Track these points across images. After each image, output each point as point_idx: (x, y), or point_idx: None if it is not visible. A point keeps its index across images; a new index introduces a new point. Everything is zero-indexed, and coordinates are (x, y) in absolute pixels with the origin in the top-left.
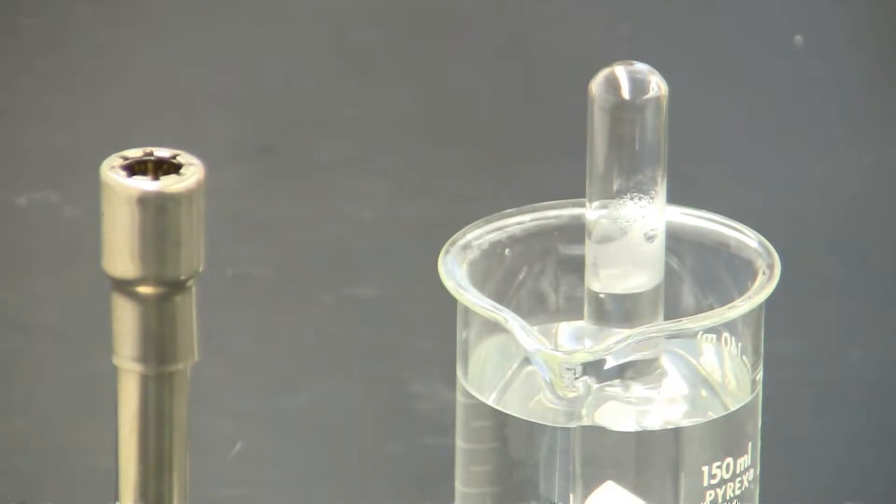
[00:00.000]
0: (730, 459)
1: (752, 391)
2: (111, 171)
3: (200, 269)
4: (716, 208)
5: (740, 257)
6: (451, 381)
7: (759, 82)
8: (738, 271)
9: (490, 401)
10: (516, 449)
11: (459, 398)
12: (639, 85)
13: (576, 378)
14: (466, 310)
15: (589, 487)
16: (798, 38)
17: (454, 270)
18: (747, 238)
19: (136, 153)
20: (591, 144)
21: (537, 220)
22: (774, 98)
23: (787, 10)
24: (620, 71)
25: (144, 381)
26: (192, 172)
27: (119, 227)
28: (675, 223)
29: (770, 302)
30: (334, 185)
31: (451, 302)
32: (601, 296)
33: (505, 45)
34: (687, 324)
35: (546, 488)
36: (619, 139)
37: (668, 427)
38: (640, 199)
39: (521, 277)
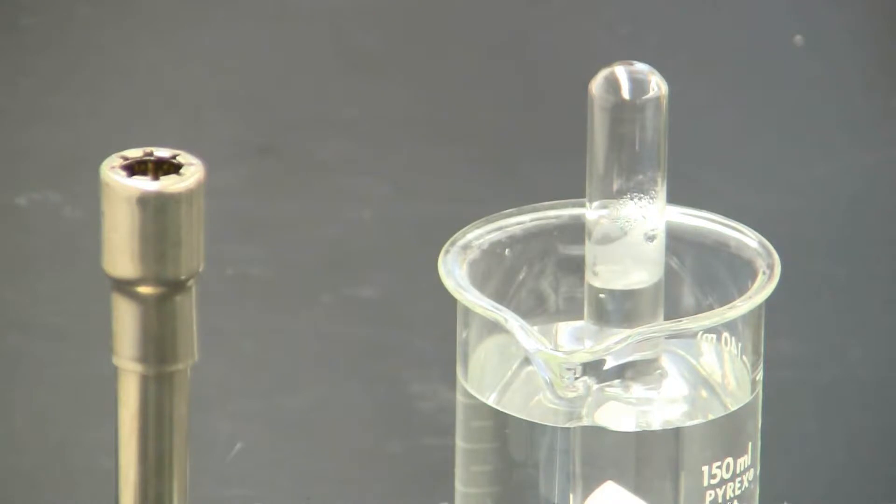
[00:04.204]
0: (730, 459)
1: (752, 391)
2: (111, 171)
3: (200, 269)
4: (716, 208)
5: (740, 257)
6: (451, 381)
7: (759, 82)
8: (738, 271)
9: (490, 401)
10: (516, 449)
11: (459, 398)
12: (639, 85)
13: (576, 378)
14: (466, 310)
15: (589, 487)
16: (798, 38)
17: (454, 270)
18: (747, 238)
19: (136, 153)
20: (591, 144)
21: (537, 220)
22: (774, 98)
23: (787, 10)
24: (620, 71)
25: (144, 381)
26: (192, 172)
27: (119, 227)
28: (675, 223)
29: (770, 302)
30: (334, 185)
31: (451, 302)
32: (601, 295)
33: (505, 44)
34: (687, 324)
35: (546, 488)
36: (619, 139)
37: (668, 427)
38: (640, 199)
39: (521, 277)
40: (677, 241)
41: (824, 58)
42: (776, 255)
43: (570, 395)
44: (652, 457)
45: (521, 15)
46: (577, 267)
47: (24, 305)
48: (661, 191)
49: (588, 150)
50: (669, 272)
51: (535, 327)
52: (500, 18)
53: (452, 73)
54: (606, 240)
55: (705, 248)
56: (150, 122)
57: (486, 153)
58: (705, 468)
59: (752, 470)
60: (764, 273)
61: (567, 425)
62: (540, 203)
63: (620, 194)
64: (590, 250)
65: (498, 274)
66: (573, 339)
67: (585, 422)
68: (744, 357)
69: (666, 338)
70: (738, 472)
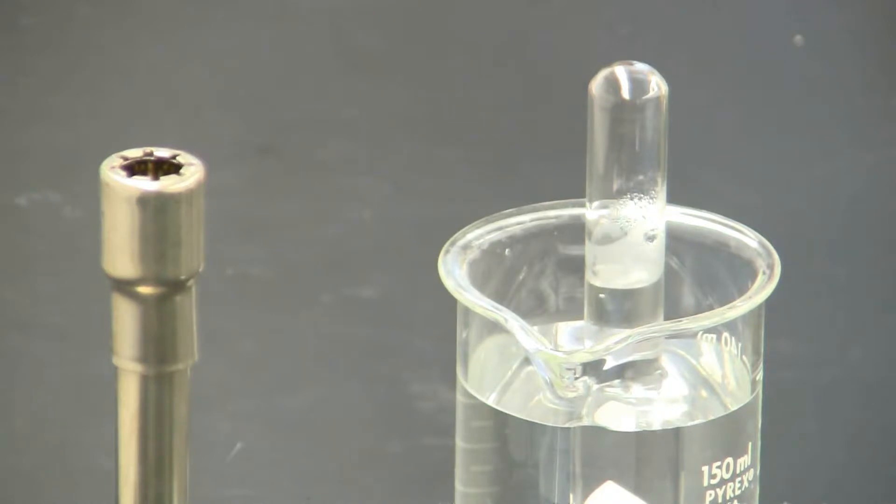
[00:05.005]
0: (730, 459)
1: (752, 391)
2: (111, 171)
3: (200, 269)
4: (716, 208)
5: (740, 257)
6: (451, 381)
7: (759, 82)
8: (738, 271)
9: (490, 401)
10: (516, 449)
11: (459, 398)
12: (639, 85)
13: (576, 378)
14: (466, 310)
15: (589, 487)
16: (798, 38)
17: (454, 270)
18: (747, 238)
19: (136, 153)
20: (591, 144)
21: (537, 220)
22: (774, 98)
23: (787, 10)
24: (620, 71)
25: (144, 381)
26: (192, 172)
27: (119, 227)
28: (675, 223)
29: (770, 302)
30: (334, 185)
31: (451, 302)
32: (601, 295)
33: (505, 45)
34: (687, 324)
35: (546, 488)
36: (619, 139)
37: (668, 427)
38: (640, 199)
39: (521, 277)
40: (677, 241)
41: (824, 58)
42: (776, 255)
43: (570, 395)
44: (652, 457)
45: (521, 15)
46: (577, 267)
47: (24, 305)
48: (661, 191)
49: (588, 150)
50: (669, 272)
51: (535, 327)
52: (500, 18)
53: (452, 73)
54: (606, 240)
55: (705, 248)
56: (150, 122)
57: (486, 153)
58: (705, 468)
59: (752, 470)
60: (764, 273)
61: (567, 425)
62: (540, 203)
63: (620, 194)
64: (590, 250)
65: (498, 274)
66: (573, 339)
67: (585, 422)
68: (744, 357)
69: (666, 338)
70: (738, 472)
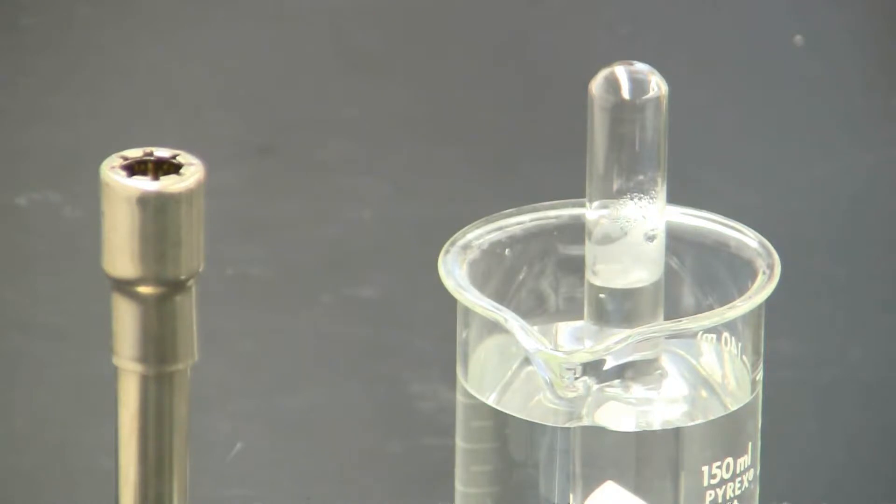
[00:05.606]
0: (730, 459)
1: (752, 391)
2: (111, 171)
3: (200, 269)
4: (716, 208)
5: (740, 257)
6: (451, 381)
7: (759, 82)
8: (738, 271)
9: (490, 401)
10: (516, 449)
11: (459, 398)
12: (639, 85)
13: (576, 378)
14: (466, 310)
15: (589, 487)
16: (798, 38)
17: (454, 270)
18: (747, 238)
19: (136, 153)
20: (591, 144)
21: (537, 220)
22: (774, 98)
23: (787, 10)
24: (620, 71)
25: (144, 381)
26: (192, 172)
27: (119, 227)
28: (675, 223)
29: (770, 302)
30: (334, 185)
31: (451, 302)
32: (601, 295)
33: (505, 45)
34: (687, 324)
35: (546, 488)
36: (619, 139)
37: (668, 427)
38: (640, 199)
39: (521, 277)
40: (677, 241)
41: (824, 58)
42: (776, 255)
43: (570, 395)
44: (652, 457)
45: (521, 15)
46: (577, 267)
47: (24, 305)
48: (661, 191)
49: (588, 150)
50: (669, 272)
51: (535, 327)
52: (500, 18)
53: (452, 73)
54: (606, 240)
55: (705, 248)
56: (150, 122)
57: (486, 153)
58: (705, 468)
59: (752, 470)
60: (764, 273)
61: (567, 425)
62: (540, 203)
63: (620, 194)
64: (590, 250)
65: (498, 274)
66: (573, 339)
67: (585, 422)
68: (744, 357)
69: (666, 338)
70: (738, 472)
